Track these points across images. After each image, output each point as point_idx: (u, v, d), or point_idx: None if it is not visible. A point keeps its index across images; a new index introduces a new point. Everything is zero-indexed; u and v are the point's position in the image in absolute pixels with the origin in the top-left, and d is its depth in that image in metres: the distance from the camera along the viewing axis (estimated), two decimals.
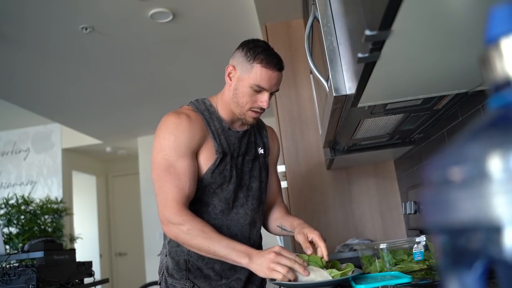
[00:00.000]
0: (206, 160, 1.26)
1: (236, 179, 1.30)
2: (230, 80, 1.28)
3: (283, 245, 2.65)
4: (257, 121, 1.41)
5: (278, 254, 1.10)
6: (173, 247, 1.30)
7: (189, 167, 1.23)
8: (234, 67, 1.27)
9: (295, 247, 2.18)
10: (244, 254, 1.13)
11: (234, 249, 1.14)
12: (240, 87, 1.25)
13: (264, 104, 1.25)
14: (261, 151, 1.40)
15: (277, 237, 2.94)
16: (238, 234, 1.30)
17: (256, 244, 1.38)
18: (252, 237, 1.35)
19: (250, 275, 1.33)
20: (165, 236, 1.36)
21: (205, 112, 1.31)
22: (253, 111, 1.27)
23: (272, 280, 1.23)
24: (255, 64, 1.22)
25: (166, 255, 1.33)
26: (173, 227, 1.18)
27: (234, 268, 1.29)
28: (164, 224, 1.21)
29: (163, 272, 1.32)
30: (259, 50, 1.23)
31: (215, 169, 1.26)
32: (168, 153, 1.22)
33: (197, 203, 1.27)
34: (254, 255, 1.12)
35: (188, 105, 1.34)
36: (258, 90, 1.23)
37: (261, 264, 1.10)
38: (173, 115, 1.27)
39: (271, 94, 1.26)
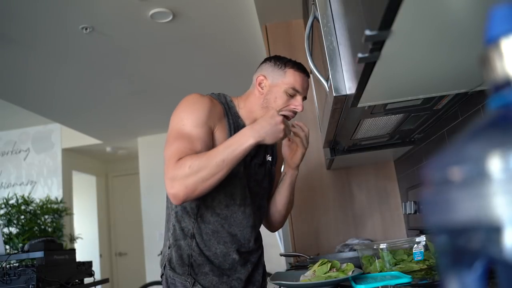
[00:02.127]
0: None
1: (243, 175, 1.29)
2: (262, 89, 1.31)
3: (283, 246, 2.65)
4: None
5: (274, 111, 1.18)
6: (177, 240, 1.28)
7: (204, 137, 1.20)
8: (264, 76, 1.30)
9: (295, 248, 2.18)
10: (245, 137, 1.13)
11: (233, 143, 1.12)
12: (274, 93, 1.28)
13: (298, 108, 1.29)
14: (269, 158, 1.41)
15: (277, 238, 2.94)
16: (238, 234, 1.30)
17: (252, 248, 1.35)
18: (251, 239, 1.33)
19: (250, 275, 1.33)
20: (168, 228, 1.33)
21: (225, 105, 1.32)
22: (284, 116, 1.29)
23: (273, 279, 1.24)
24: (288, 69, 1.28)
25: (169, 247, 1.30)
26: (177, 181, 1.10)
27: (234, 268, 1.29)
28: (169, 187, 1.11)
29: (165, 264, 1.30)
30: (286, 60, 1.31)
31: None
32: (185, 123, 1.20)
33: (202, 197, 1.24)
34: (252, 130, 1.13)
35: (209, 94, 1.34)
36: (292, 94, 1.28)
37: (274, 131, 1.15)
38: (196, 94, 1.28)
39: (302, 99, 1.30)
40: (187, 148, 1.14)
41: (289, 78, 1.27)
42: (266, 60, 1.35)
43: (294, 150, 1.38)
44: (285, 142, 1.39)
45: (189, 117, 1.20)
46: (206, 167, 1.09)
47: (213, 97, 1.32)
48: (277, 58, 1.32)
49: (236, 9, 2.72)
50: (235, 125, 1.30)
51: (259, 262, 1.39)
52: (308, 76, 1.32)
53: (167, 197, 1.35)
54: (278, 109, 1.27)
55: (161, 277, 1.32)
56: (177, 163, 1.11)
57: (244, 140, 1.12)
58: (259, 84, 1.31)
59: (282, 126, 1.16)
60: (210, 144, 1.22)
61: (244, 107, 1.33)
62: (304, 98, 1.31)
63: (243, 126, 1.32)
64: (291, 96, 1.28)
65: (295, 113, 1.31)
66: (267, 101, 1.29)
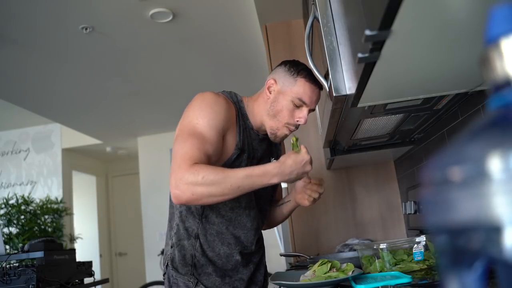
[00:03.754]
0: (224, 153, 1.23)
1: None
2: (270, 93, 1.28)
3: (283, 246, 2.65)
4: None
5: (308, 158, 1.16)
6: (180, 240, 1.27)
7: (216, 143, 1.16)
8: (275, 80, 1.28)
9: (295, 248, 2.18)
10: (269, 175, 1.11)
11: (255, 175, 1.10)
12: (281, 100, 1.25)
13: (302, 120, 1.25)
14: (273, 161, 1.40)
15: (277, 238, 2.94)
16: (242, 236, 1.29)
17: (254, 249, 1.34)
18: (254, 242, 1.33)
19: (252, 275, 1.33)
20: (171, 227, 1.32)
21: (236, 105, 1.30)
22: (287, 127, 1.27)
23: (273, 279, 1.24)
24: (299, 78, 1.24)
25: (172, 246, 1.29)
26: (185, 184, 1.05)
27: (236, 269, 1.29)
28: (175, 187, 1.07)
29: (167, 263, 1.29)
30: (301, 67, 1.27)
31: (231, 164, 1.23)
32: (200, 122, 1.16)
33: None
34: (280, 171, 1.12)
35: (221, 92, 1.31)
36: (299, 105, 1.24)
37: (300, 176, 1.17)
38: (211, 92, 1.24)
39: (308, 112, 1.27)
40: (200, 149, 1.11)
41: (299, 88, 1.23)
42: (282, 63, 1.31)
43: (304, 197, 1.36)
44: (302, 180, 1.36)
45: (205, 117, 1.17)
46: (219, 186, 1.06)
47: (227, 97, 1.29)
48: (293, 63, 1.28)
49: (236, 9, 2.72)
50: (243, 127, 1.29)
51: (260, 262, 1.39)
52: (320, 89, 1.26)
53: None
54: (285, 121, 1.25)
55: (164, 276, 1.32)
56: (191, 167, 1.07)
57: (267, 178, 1.11)
58: (268, 88, 1.28)
59: (308, 170, 1.17)
60: (220, 150, 1.19)
61: (253, 109, 1.31)
62: (312, 110, 1.28)
63: (251, 128, 1.31)
64: (297, 107, 1.24)
65: (297, 126, 1.28)
66: (273, 110, 1.26)
